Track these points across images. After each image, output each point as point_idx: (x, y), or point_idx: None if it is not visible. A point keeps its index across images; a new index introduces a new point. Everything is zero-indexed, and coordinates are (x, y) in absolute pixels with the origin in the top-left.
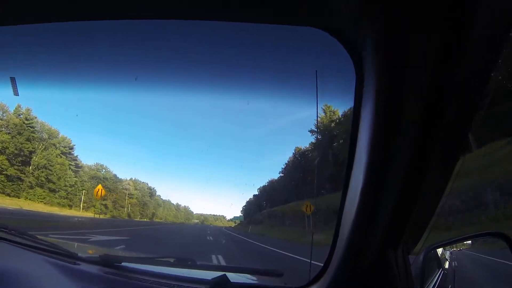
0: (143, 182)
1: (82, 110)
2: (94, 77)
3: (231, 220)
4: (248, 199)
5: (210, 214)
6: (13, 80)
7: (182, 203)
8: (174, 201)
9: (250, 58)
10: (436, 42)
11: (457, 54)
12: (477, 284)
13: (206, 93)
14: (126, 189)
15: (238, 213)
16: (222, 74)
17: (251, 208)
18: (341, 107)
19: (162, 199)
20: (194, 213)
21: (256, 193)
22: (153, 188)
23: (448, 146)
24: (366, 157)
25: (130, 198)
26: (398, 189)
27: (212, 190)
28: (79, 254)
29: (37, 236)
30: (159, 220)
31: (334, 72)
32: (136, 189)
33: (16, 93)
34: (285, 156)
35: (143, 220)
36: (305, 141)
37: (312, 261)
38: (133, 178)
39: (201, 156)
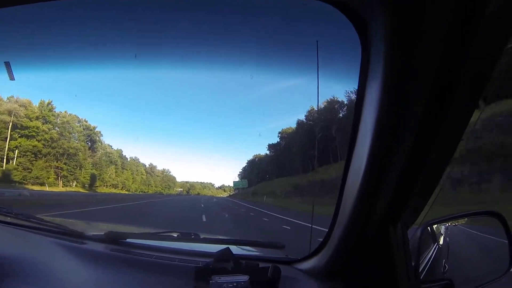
0: (81, 119)
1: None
2: (89, 55)
3: (220, 188)
4: (243, 166)
5: (197, 182)
6: (7, 65)
7: (160, 166)
8: (147, 162)
9: (252, 27)
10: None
11: (473, 22)
12: (469, 258)
13: (203, 64)
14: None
15: (227, 181)
16: (221, 43)
17: (252, 176)
18: (345, 80)
19: (124, 156)
20: (178, 180)
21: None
22: (95, 130)
23: (456, 122)
24: (372, 131)
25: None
26: (402, 164)
27: (200, 156)
28: (85, 233)
29: (43, 218)
30: (105, 191)
31: (338, 43)
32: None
33: (11, 78)
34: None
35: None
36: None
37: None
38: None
39: (192, 123)
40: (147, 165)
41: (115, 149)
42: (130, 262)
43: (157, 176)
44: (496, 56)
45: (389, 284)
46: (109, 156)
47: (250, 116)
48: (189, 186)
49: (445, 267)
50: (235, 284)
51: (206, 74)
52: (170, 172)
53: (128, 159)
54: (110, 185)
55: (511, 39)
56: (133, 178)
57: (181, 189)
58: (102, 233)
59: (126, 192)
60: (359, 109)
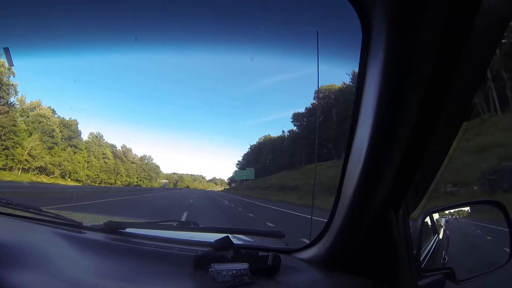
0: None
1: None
2: (89, 40)
3: (211, 181)
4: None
5: (187, 174)
6: (6, 51)
7: (140, 151)
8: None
9: (253, 12)
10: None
11: (473, 13)
12: (469, 250)
13: (201, 50)
14: None
15: (219, 174)
16: (221, 29)
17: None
18: (344, 67)
19: (78, 130)
20: (165, 172)
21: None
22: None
23: (455, 108)
24: (372, 118)
25: None
26: (402, 150)
27: (190, 146)
28: (84, 223)
29: (42, 209)
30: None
31: (339, 32)
32: None
33: (11, 64)
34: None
35: None
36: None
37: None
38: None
39: (185, 111)
40: (119, 148)
41: (59, 116)
42: (129, 250)
43: (132, 163)
44: (492, 53)
45: (390, 271)
46: (39, 122)
47: (249, 106)
48: (177, 178)
49: (445, 258)
50: (234, 272)
51: (204, 60)
52: (152, 159)
53: (87, 137)
54: (33, 168)
55: (506, 35)
56: (86, 162)
57: (166, 181)
58: (102, 223)
59: (62, 183)
60: (360, 94)
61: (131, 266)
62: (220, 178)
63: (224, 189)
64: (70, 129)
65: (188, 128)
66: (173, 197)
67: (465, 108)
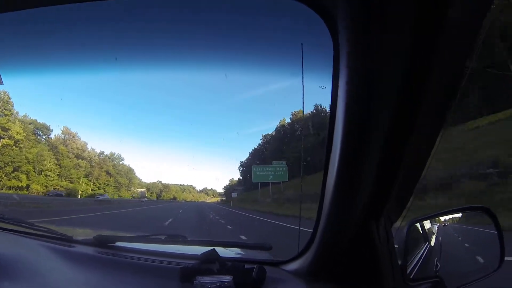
0: None
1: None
2: (72, 60)
3: (202, 191)
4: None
5: (175, 184)
6: None
7: (97, 147)
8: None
9: (230, 27)
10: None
11: (435, 34)
12: (461, 256)
13: (186, 64)
14: None
15: (210, 184)
16: (196, 44)
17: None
18: (321, 81)
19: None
20: (144, 180)
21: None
22: None
23: (429, 119)
24: (342, 128)
25: None
26: (377, 161)
27: (180, 156)
28: (74, 237)
29: (33, 223)
30: None
31: (315, 46)
32: None
33: (0, 82)
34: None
35: None
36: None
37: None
38: None
39: (174, 122)
40: (59, 133)
41: None
42: (118, 264)
43: (79, 157)
44: (465, 55)
45: (374, 281)
46: None
47: (237, 118)
48: (161, 187)
49: (437, 265)
50: (218, 284)
51: (191, 74)
52: (123, 159)
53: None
54: None
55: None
56: None
57: (143, 190)
58: (91, 237)
59: None
60: (334, 106)
61: (120, 279)
62: (211, 189)
63: (221, 200)
64: None
65: (179, 140)
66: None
67: (442, 113)
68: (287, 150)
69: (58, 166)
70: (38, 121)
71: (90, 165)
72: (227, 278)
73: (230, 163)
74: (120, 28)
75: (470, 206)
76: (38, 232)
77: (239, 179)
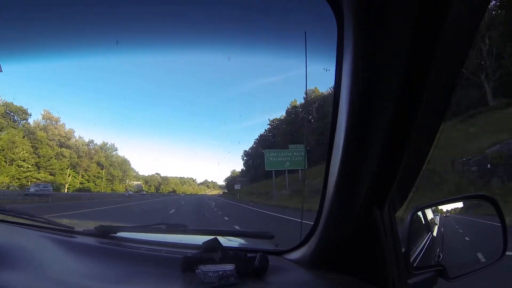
0: None
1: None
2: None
3: (202, 184)
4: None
5: (174, 177)
6: None
7: (86, 136)
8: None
9: (234, 10)
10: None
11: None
12: (464, 246)
13: (186, 50)
14: None
15: (210, 176)
16: (202, 27)
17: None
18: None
19: None
20: (141, 173)
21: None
22: None
23: (433, 105)
24: (346, 115)
25: None
26: (379, 148)
27: (179, 148)
28: (76, 228)
29: (34, 215)
30: None
31: (320, 31)
32: None
33: None
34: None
35: None
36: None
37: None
38: None
39: (175, 113)
40: (40, 118)
41: None
42: (120, 254)
43: (63, 146)
44: (464, 55)
45: (378, 269)
46: None
47: (240, 108)
48: (160, 180)
49: (440, 256)
50: (220, 273)
51: (190, 60)
52: (116, 150)
53: None
54: None
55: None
56: None
57: (139, 182)
58: (93, 228)
59: None
60: (338, 92)
61: (121, 269)
62: (212, 181)
63: (223, 193)
64: None
65: (175, 130)
66: None
67: (445, 101)
68: (301, 135)
69: (36, 155)
70: (14, 104)
71: (77, 155)
72: (230, 266)
73: (231, 154)
74: (118, 13)
75: (474, 194)
76: (39, 224)
77: (242, 169)
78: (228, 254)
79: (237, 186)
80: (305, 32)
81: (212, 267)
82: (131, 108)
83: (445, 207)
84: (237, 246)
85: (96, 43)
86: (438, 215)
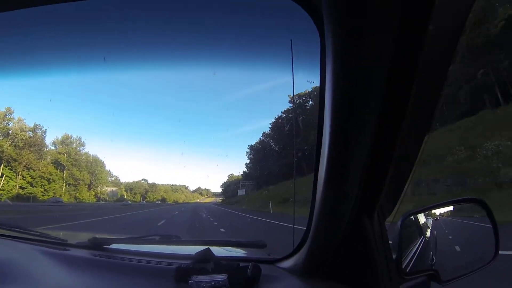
0: None
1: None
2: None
3: (195, 191)
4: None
5: (166, 184)
6: None
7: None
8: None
9: (218, 24)
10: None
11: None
12: (457, 249)
13: (174, 63)
14: None
15: (204, 183)
16: (186, 43)
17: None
18: (311, 76)
19: None
20: (122, 179)
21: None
22: None
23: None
24: (330, 124)
25: None
26: (367, 156)
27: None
28: (69, 240)
29: (27, 228)
30: None
31: (304, 43)
32: None
33: None
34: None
35: None
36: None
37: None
38: None
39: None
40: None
41: None
42: (113, 266)
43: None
44: (449, 61)
45: (369, 276)
46: None
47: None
48: (146, 187)
49: (433, 259)
50: (213, 283)
51: (181, 73)
52: (84, 147)
53: None
54: None
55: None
56: None
57: (115, 188)
58: (86, 240)
59: None
60: (322, 101)
61: (115, 281)
62: (205, 188)
63: (221, 200)
64: None
65: (164, 138)
66: None
67: (432, 107)
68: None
69: None
70: None
71: (14, 146)
72: (222, 277)
73: (224, 161)
74: (108, 28)
75: (464, 198)
76: (32, 237)
77: (244, 172)
78: (221, 264)
79: (240, 192)
80: (291, 40)
81: (205, 277)
82: (119, 120)
83: (437, 211)
84: (230, 255)
85: (84, 59)
86: (430, 218)
